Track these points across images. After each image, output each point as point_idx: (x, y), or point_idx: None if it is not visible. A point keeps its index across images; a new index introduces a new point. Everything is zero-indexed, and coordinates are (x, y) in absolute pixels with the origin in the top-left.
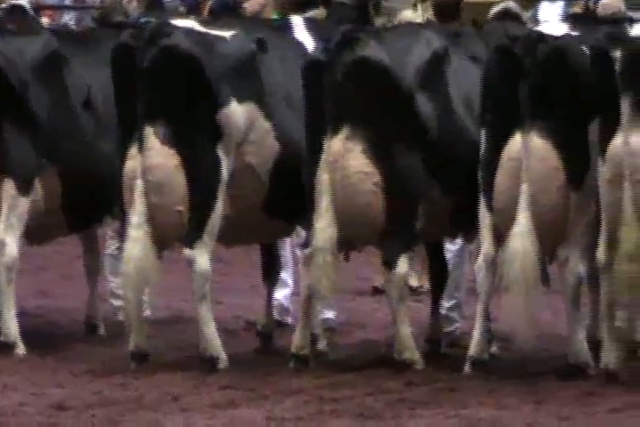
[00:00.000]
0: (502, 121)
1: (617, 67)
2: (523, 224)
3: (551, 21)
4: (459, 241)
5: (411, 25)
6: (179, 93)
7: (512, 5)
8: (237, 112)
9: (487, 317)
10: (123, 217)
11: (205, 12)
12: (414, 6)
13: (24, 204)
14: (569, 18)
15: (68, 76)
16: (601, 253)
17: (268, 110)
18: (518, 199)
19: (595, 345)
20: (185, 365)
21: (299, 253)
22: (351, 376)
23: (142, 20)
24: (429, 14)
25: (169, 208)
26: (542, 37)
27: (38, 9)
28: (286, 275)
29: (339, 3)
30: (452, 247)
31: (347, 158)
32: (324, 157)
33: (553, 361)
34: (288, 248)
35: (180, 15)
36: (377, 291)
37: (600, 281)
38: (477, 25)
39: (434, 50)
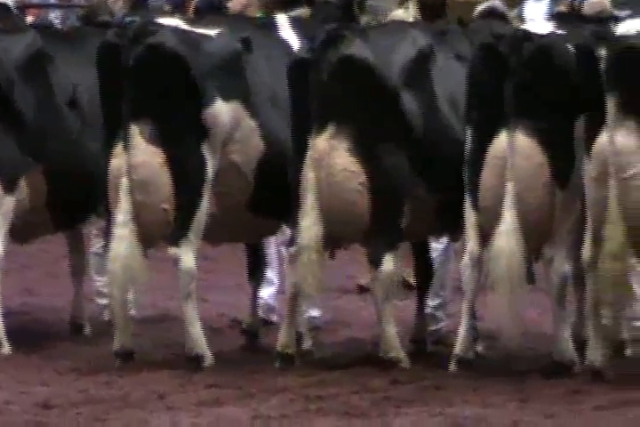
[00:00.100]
0: (488, 119)
1: (602, 65)
2: (508, 222)
3: (537, 20)
4: (444, 239)
5: (396, 23)
6: (164, 92)
7: (497, 4)
8: (223, 111)
9: (473, 315)
10: (108, 216)
11: (191, 11)
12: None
13: (9, 202)
14: (554, 16)
15: (54, 75)
16: (586, 252)
17: (254, 109)
18: (504, 198)
19: (580, 343)
20: (170, 363)
21: (284, 251)
22: (337, 375)
23: (127, 19)
24: (415, 12)
25: (154, 206)
26: (528, 36)
27: (23, 7)
28: (272, 273)
29: (323, 1)
30: (437, 246)
31: (332, 157)
32: (309, 155)
33: (538, 359)
34: (273, 247)
35: (166, 14)
36: (362, 289)
37: (585, 279)
38: (463, 23)
39: (419, 48)
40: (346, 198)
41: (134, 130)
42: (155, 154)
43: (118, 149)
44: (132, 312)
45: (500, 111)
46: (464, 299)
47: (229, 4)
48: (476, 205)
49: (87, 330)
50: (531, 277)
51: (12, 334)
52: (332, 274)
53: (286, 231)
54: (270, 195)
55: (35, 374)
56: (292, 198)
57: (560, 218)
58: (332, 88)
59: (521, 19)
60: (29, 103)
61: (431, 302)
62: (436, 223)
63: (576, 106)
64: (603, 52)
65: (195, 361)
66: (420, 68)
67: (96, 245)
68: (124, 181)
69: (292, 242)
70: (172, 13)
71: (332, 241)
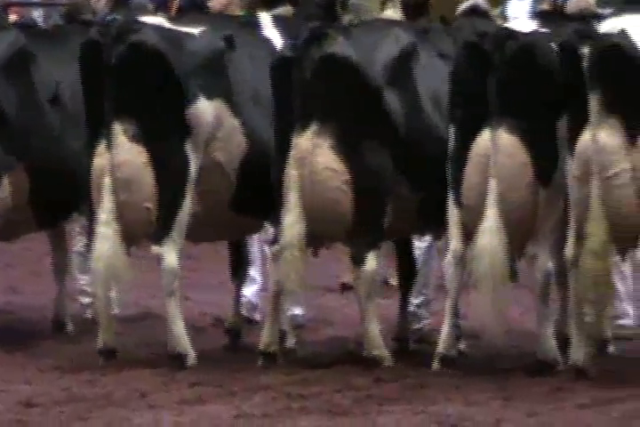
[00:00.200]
0: (471, 117)
1: (585, 63)
2: (491, 221)
3: (520, 18)
4: (427, 238)
5: (379, 22)
6: (147, 90)
7: (480, 2)
8: (206, 109)
9: (456, 313)
10: (91, 214)
11: (174, 10)
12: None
13: None
14: (537, 15)
15: (36, 73)
16: (569, 250)
17: (237, 107)
18: (487, 196)
19: (564, 341)
20: (153, 362)
21: (267, 249)
22: (320, 373)
23: (108, 17)
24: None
25: (137, 205)
26: (511, 34)
27: (6, 6)
28: (254, 272)
29: (306, 0)
30: (420, 244)
31: (315, 155)
32: (292, 153)
33: (522, 357)
34: (256, 245)
35: (149, 12)
36: (345, 287)
37: (568, 277)
38: (446, 22)
39: (402, 47)
40: (328, 197)
41: (117, 128)
42: (138, 153)
43: (101, 147)
44: (115, 311)
45: (483, 109)
46: (447, 297)
47: (210, 4)
48: (459, 204)
49: (70, 328)
50: (514, 275)
51: None
52: (315, 272)
53: (269, 230)
54: (253, 193)
55: (17, 372)
56: (274, 197)
57: (543, 216)
58: (315, 86)
59: (504, 17)
60: (12, 101)
61: (414, 301)
62: (419, 222)
63: (559, 104)
64: (586, 51)
65: (177, 360)
66: (403, 67)
67: (79, 243)
68: (107, 180)
69: (274, 240)
70: (154, 12)
71: (315, 239)
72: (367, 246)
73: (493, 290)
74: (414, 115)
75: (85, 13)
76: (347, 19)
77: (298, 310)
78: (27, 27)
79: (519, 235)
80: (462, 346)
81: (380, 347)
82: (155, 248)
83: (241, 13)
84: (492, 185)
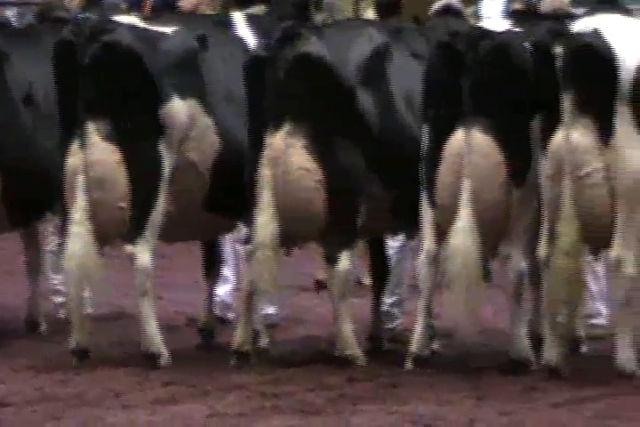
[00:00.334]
0: (444, 117)
1: (558, 63)
2: (464, 220)
3: (493, 18)
4: (400, 237)
5: (352, 21)
6: (120, 90)
7: (453, 2)
8: (179, 108)
9: (429, 313)
10: (64, 214)
11: (147, 9)
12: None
13: None
14: (511, 14)
15: (9, 72)
16: (542, 250)
17: (210, 107)
18: (460, 195)
19: (537, 341)
20: (126, 361)
21: (240, 249)
22: (293, 372)
23: (80, 16)
24: (371, 11)
25: (110, 204)
26: (484, 34)
27: None
28: (228, 271)
29: None
30: (393, 244)
31: (288, 154)
32: (265, 153)
33: (495, 357)
34: (229, 244)
35: (122, 12)
36: (320, 285)
37: (542, 278)
38: (419, 22)
39: (376, 46)
40: (302, 196)
41: (91, 128)
42: (111, 152)
43: (74, 146)
44: (88, 310)
45: (456, 109)
46: (420, 297)
47: (180, 3)
48: (432, 203)
49: (43, 328)
50: (487, 275)
51: None
52: (289, 271)
53: (242, 229)
54: (226, 193)
55: None
56: (248, 196)
57: (516, 216)
58: (289, 86)
59: (477, 17)
60: None
61: (387, 300)
62: (393, 221)
63: (533, 104)
64: (559, 50)
65: (151, 359)
66: (376, 66)
67: (52, 243)
68: (81, 179)
69: (248, 240)
70: (127, 11)
71: (288, 239)
72: (340, 246)
73: (466, 290)
74: (388, 115)
75: (59, 13)
76: (320, 18)
77: (271, 310)
78: (0, 26)
79: (492, 235)
80: (436, 346)
81: (353, 346)
82: (128, 248)
83: (213, 13)
84: (466, 185)
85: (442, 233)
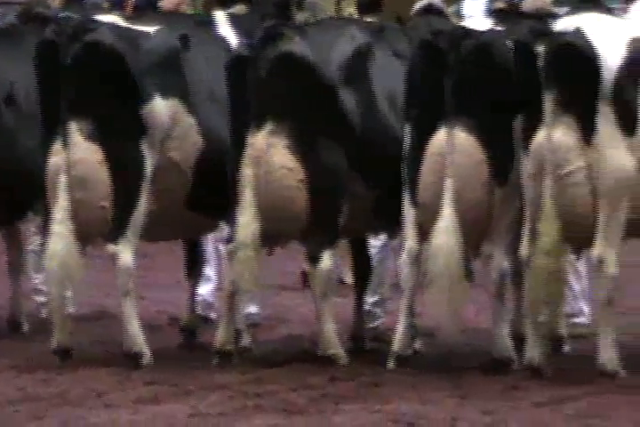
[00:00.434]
0: (427, 116)
1: (540, 62)
2: (447, 220)
3: (475, 17)
4: (382, 237)
5: (334, 20)
6: (102, 89)
7: (435, 1)
8: (161, 108)
9: (411, 312)
10: (46, 213)
11: (129, 9)
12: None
13: None
14: (493, 13)
15: None
16: (524, 249)
17: (192, 106)
18: (442, 195)
19: (519, 340)
20: (109, 361)
21: (222, 248)
22: (275, 372)
23: (61, 15)
24: (353, 9)
25: (92, 204)
26: (467, 33)
27: None
28: (210, 270)
29: None
30: (375, 243)
31: (270, 154)
32: (247, 152)
33: (477, 356)
34: (211, 244)
35: (104, 11)
36: (306, 278)
37: (524, 277)
38: (401, 21)
39: (358, 45)
40: (284, 196)
41: (73, 127)
42: (93, 151)
43: (57, 146)
44: (70, 310)
45: (439, 108)
46: (403, 296)
47: (161, 3)
48: (414, 203)
49: (25, 328)
50: (469, 275)
51: None
52: (271, 271)
53: (224, 229)
54: (208, 192)
55: None
56: (230, 196)
57: (499, 215)
58: (271, 85)
59: (459, 16)
60: None
61: (370, 299)
62: (375, 221)
63: (515, 103)
64: (541, 49)
65: (133, 359)
66: (358, 66)
67: (34, 242)
68: (63, 179)
69: (230, 239)
70: (109, 10)
71: (270, 238)
72: (322, 245)
73: (449, 289)
74: (370, 114)
75: (41, 9)
76: (302, 17)
77: (253, 309)
78: None
79: (475, 234)
80: (418, 345)
81: (335, 346)
82: (110, 247)
83: (195, 12)
84: (448, 184)
85: (424, 233)
